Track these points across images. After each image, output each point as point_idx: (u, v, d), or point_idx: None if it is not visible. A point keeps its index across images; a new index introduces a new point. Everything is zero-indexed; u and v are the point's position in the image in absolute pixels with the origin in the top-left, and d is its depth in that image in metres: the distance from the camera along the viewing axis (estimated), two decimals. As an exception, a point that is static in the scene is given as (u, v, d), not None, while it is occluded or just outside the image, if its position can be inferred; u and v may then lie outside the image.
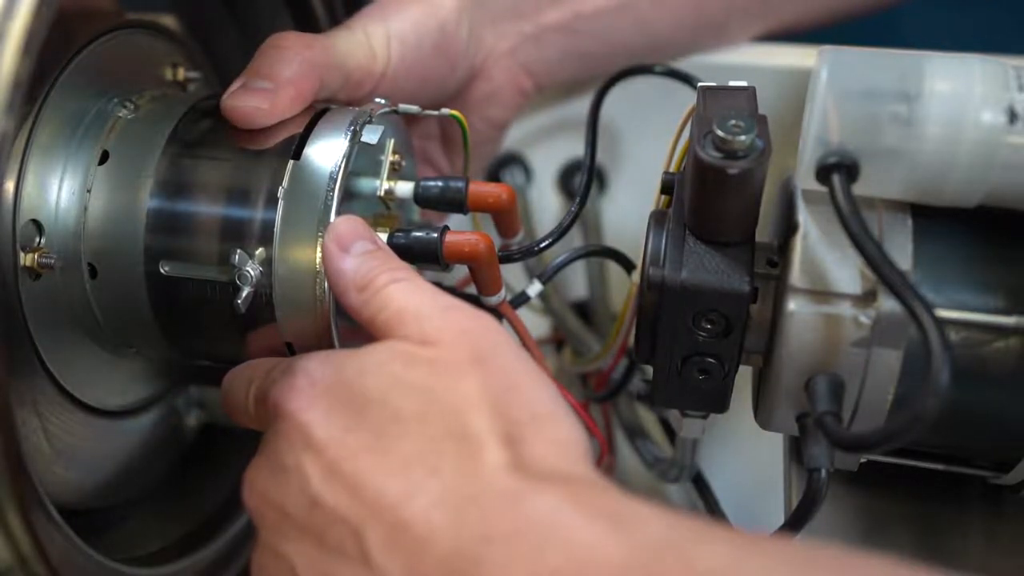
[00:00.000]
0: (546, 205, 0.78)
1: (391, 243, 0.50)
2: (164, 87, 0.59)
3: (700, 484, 0.61)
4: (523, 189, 0.77)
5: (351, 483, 0.40)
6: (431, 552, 0.37)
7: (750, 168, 0.44)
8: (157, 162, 0.51)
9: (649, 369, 0.52)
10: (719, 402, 0.51)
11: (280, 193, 0.49)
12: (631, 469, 0.73)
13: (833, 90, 0.44)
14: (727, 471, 0.68)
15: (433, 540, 0.37)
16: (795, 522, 0.48)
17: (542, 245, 0.55)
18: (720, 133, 0.43)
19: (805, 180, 0.45)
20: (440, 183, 0.54)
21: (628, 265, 0.58)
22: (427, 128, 0.65)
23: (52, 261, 0.50)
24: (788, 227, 0.48)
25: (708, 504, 0.61)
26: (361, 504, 0.39)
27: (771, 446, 0.57)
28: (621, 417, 0.68)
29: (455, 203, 0.54)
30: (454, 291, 0.55)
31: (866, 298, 0.45)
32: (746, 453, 0.70)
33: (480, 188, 0.54)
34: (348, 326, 0.49)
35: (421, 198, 0.54)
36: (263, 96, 0.50)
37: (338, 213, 0.48)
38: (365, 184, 0.52)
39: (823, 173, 0.44)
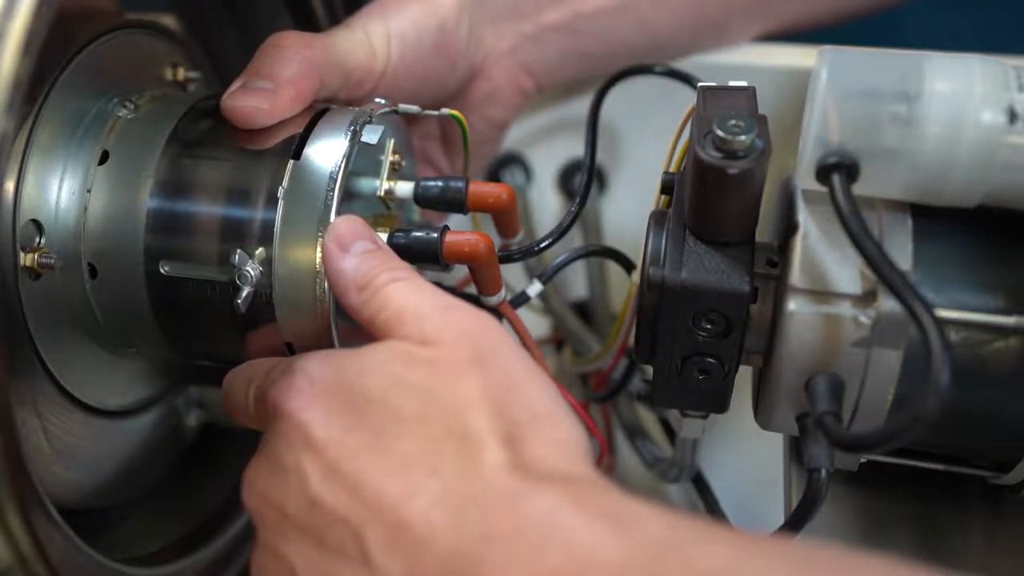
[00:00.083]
0: (546, 205, 0.78)
1: (391, 243, 0.50)
2: (164, 87, 0.59)
3: (700, 484, 0.61)
4: (523, 189, 0.77)
5: (351, 483, 0.40)
6: (431, 552, 0.37)
7: (750, 168, 0.44)
8: (157, 162, 0.51)
9: (649, 369, 0.52)
10: (719, 402, 0.51)
11: (280, 193, 0.49)
12: (631, 469, 0.73)
13: (833, 90, 0.44)
14: (727, 471, 0.68)
15: (433, 540, 0.37)
16: (795, 522, 0.48)
17: (542, 245, 0.55)
18: (720, 133, 0.43)
19: (805, 180, 0.45)
20: (440, 183, 0.54)
21: (628, 265, 0.58)
22: (427, 128, 0.65)
23: (52, 261, 0.50)
24: (788, 227, 0.48)
25: (708, 504, 0.61)
26: (361, 504, 0.39)
27: (771, 446, 0.57)
28: (621, 417, 0.68)
29: (455, 203, 0.54)
30: (454, 291, 0.55)
31: (866, 298, 0.45)
32: (746, 453, 0.70)
33: (480, 188, 0.54)
34: (348, 326, 0.49)
35: (421, 198, 0.54)
36: (263, 96, 0.50)
37: (338, 213, 0.48)
38: (365, 184, 0.52)
39: (823, 173, 0.44)
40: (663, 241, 0.48)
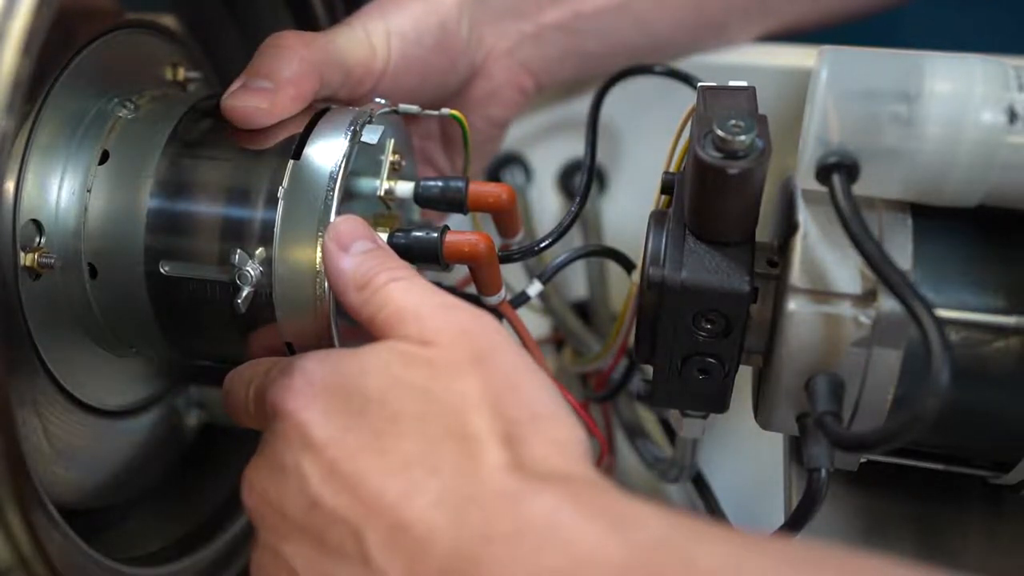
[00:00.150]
0: (546, 205, 0.78)
1: (391, 243, 0.50)
2: (164, 87, 0.59)
3: (700, 484, 0.61)
4: (523, 189, 0.77)
5: (350, 483, 0.40)
6: (431, 552, 0.37)
7: (750, 168, 0.44)
8: (157, 162, 0.51)
9: (649, 369, 0.52)
10: (719, 402, 0.51)
11: (280, 193, 0.49)
12: (631, 469, 0.73)
13: (833, 90, 0.44)
14: (727, 471, 0.68)
15: (433, 540, 0.37)
16: (795, 522, 0.48)
17: (542, 245, 0.55)
18: (720, 133, 0.43)
19: (805, 180, 0.45)
20: (440, 183, 0.54)
21: (628, 265, 0.58)
22: (427, 128, 0.65)
23: (52, 261, 0.50)
24: (788, 227, 0.48)
25: (708, 504, 0.61)
26: (361, 504, 0.39)
27: (771, 446, 0.57)
28: (621, 417, 0.68)
29: (455, 203, 0.54)
30: (454, 291, 0.55)
31: (866, 298, 0.45)
32: (746, 453, 0.70)
33: (480, 188, 0.54)
34: (348, 326, 0.49)
35: (421, 198, 0.54)
36: (263, 96, 0.50)
37: (338, 213, 0.48)
38: (365, 184, 0.52)
39: (823, 173, 0.44)
40: (663, 241, 0.48)
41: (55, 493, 0.50)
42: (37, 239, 0.50)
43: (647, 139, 0.73)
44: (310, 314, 0.49)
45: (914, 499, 0.55)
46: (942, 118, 0.43)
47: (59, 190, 0.51)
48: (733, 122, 0.44)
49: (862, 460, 0.51)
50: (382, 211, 0.54)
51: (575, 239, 0.76)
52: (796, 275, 0.46)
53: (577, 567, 0.35)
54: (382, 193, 0.53)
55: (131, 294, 0.51)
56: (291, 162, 0.50)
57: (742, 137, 0.43)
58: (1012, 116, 0.43)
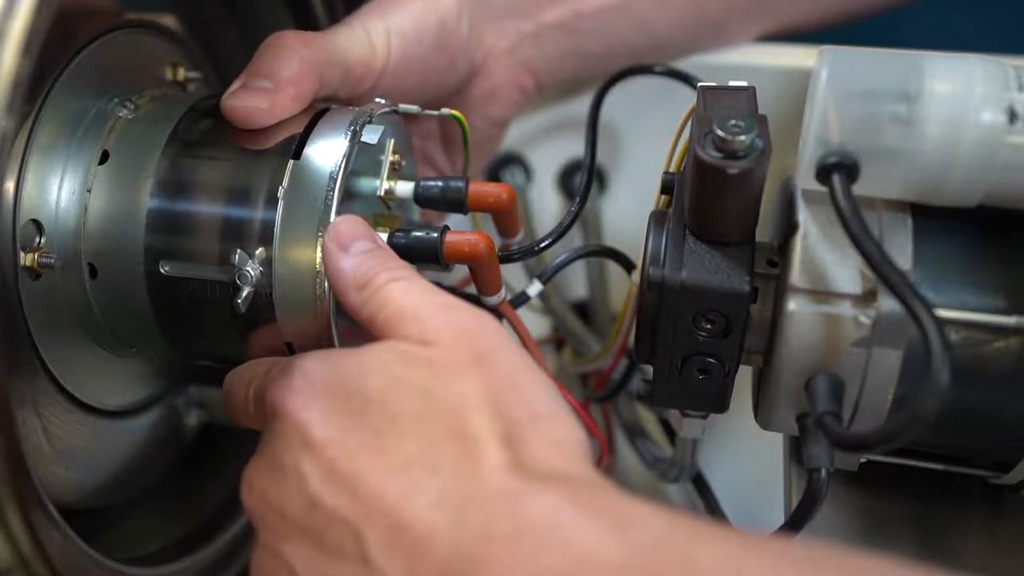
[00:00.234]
0: (546, 205, 0.78)
1: (391, 243, 0.50)
2: (164, 87, 0.59)
3: (700, 484, 0.61)
4: (523, 189, 0.77)
5: (350, 483, 0.40)
6: (431, 552, 0.37)
7: (750, 168, 0.44)
8: (157, 162, 0.51)
9: (649, 369, 0.52)
10: (719, 402, 0.51)
11: (280, 193, 0.49)
12: (631, 469, 0.73)
13: (833, 90, 0.44)
14: (727, 471, 0.68)
15: (433, 540, 0.37)
16: (795, 522, 0.48)
17: (542, 245, 0.55)
18: (720, 133, 0.43)
19: (805, 180, 0.45)
20: (440, 183, 0.54)
21: (628, 265, 0.58)
22: (427, 128, 0.65)
23: (52, 261, 0.50)
24: (788, 227, 0.48)
25: (708, 504, 0.61)
26: (360, 504, 0.39)
27: (771, 446, 0.57)
28: (621, 417, 0.68)
29: (455, 203, 0.54)
30: (454, 291, 0.55)
31: (866, 298, 0.45)
32: (746, 453, 0.70)
33: (480, 188, 0.54)
34: (348, 326, 0.49)
35: (421, 198, 0.54)
36: (263, 96, 0.50)
37: (338, 213, 0.48)
38: (365, 184, 0.52)
39: (823, 173, 0.44)
40: (663, 241, 0.48)
41: (55, 493, 0.50)
42: (37, 239, 0.50)
43: (647, 139, 0.73)
44: (310, 314, 0.49)
45: (914, 499, 0.55)
46: (942, 118, 0.43)
47: (59, 190, 0.51)
48: (733, 122, 0.44)
49: (862, 460, 0.51)
50: (382, 211, 0.54)
51: (575, 239, 0.76)
52: (796, 275, 0.46)
53: (577, 567, 0.35)
54: (382, 193, 0.53)
55: (131, 294, 0.51)
56: (291, 162, 0.50)
57: (742, 137, 0.43)
58: (1012, 116, 0.43)
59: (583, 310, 0.74)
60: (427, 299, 0.44)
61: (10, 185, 0.49)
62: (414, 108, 0.55)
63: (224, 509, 0.64)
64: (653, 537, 0.36)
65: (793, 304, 0.46)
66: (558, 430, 0.41)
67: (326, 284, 0.48)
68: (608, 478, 0.40)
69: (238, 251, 0.49)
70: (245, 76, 0.52)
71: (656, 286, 0.47)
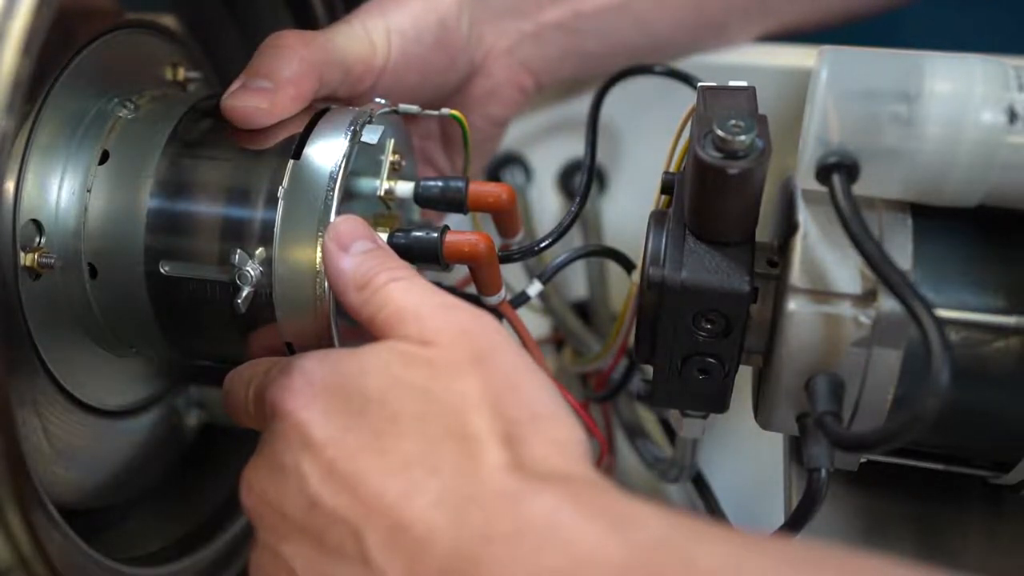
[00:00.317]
0: (546, 205, 0.78)
1: (391, 243, 0.50)
2: (164, 87, 0.59)
3: (700, 484, 0.61)
4: (523, 189, 0.77)
5: (350, 483, 0.40)
6: (431, 552, 0.37)
7: (750, 168, 0.44)
8: (157, 162, 0.51)
9: (649, 369, 0.52)
10: (719, 402, 0.51)
11: (280, 193, 0.49)
12: (631, 469, 0.73)
13: (833, 90, 0.44)
14: (727, 471, 0.68)
15: (433, 540, 0.37)
16: (795, 522, 0.48)
17: (542, 245, 0.55)
18: (720, 133, 0.43)
19: (805, 180, 0.45)
20: (440, 183, 0.54)
21: (628, 265, 0.58)
22: (427, 127, 0.65)
23: (52, 261, 0.50)
24: (788, 227, 0.48)
25: (708, 504, 0.61)
26: (360, 504, 0.39)
27: (771, 446, 0.57)
28: (621, 417, 0.68)
29: (455, 203, 0.54)
30: (454, 291, 0.55)
31: (866, 298, 0.45)
32: (746, 453, 0.70)
33: (480, 188, 0.54)
34: (348, 326, 0.49)
35: (421, 198, 0.54)
36: (263, 96, 0.50)
37: (338, 213, 0.48)
38: (365, 184, 0.52)
39: (823, 173, 0.44)
40: (663, 241, 0.48)
41: (55, 493, 0.50)
42: (37, 239, 0.50)
43: (647, 139, 0.73)
44: (310, 314, 0.49)
45: (914, 499, 0.55)
46: (942, 118, 0.43)
47: (59, 190, 0.51)
48: (733, 122, 0.44)
49: (862, 460, 0.51)
50: (382, 211, 0.54)
51: (575, 239, 0.76)
52: (796, 275, 0.46)
53: (577, 567, 0.35)
54: (382, 193, 0.53)
55: (131, 294, 0.51)
56: (291, 162, 0.50)
57: (742, 137, 0.43)
58: (1012, 116, 0.43)
59: (583, 310, 0.74)
60: (427, 299, 0.44)
61: (10, 185, 0.49)
62: (414, 108, 0.55)
63: (224, 509, 0.64)
64: (653, 537, 0.36)
65: (793, 304, 0.46)
66: (558, 430, 0.41)
67: (326, 284, 0.48)
68: (608, 478, 0.40)
69: (238, 251, 0.49)
70: (245, 76, 0.52)
71: (656, 286, 0.47)
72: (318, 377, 0.43)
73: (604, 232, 0.76)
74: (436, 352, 0.42)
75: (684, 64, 0.66)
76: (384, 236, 0.50)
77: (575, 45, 0.66)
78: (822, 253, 0.46)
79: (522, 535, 0.36)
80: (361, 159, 0.51)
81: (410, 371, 0.42)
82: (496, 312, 0.53)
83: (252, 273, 0.48)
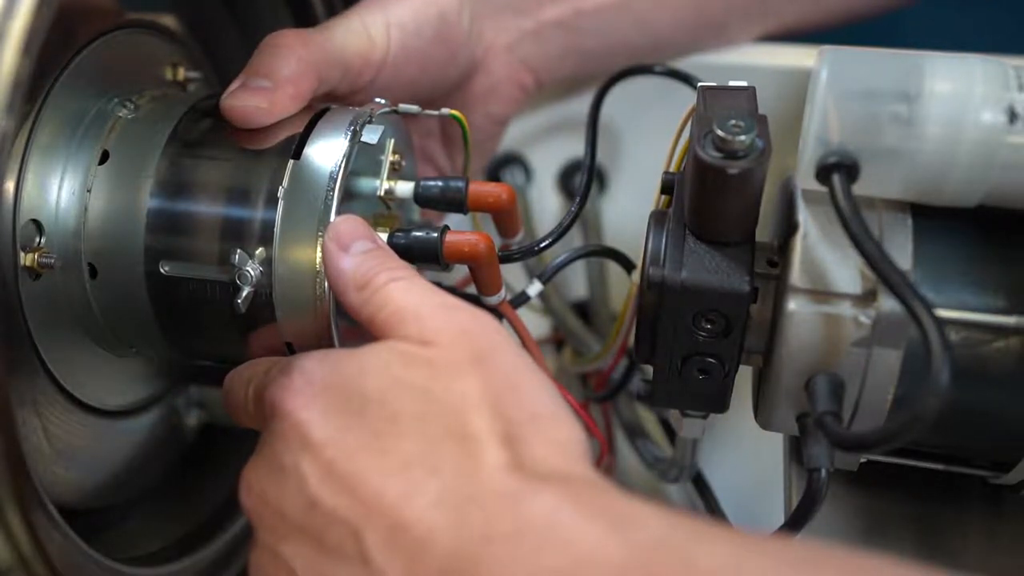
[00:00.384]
0: (546, 205, 0.78)
1: (391, 243, 0.50)
2: (164, 87, 0.59)
3: (700, 484, 0.61)
4: (523, 189, 0.77)
5: (350, 483, 0.40)
6: (431, 552, 0.37)
7: (750, 168, 0.44)
8: (157, 162, 0.51)
9: (649, 369, 0.52)
10: (719, 402, 0.51)
11: (280, 193, 0.49)
12: (631, 469, 0.73)
13: (833, 90, 0.44)
14: (727, 471, 0.68)
15: (433, 540, 0.37)
16: (795, 522, 0.48)
17: (542, 245, 0.55)
18: (720, 133, 0.43)
19: (805, 180, 0.45)
20: (440, 183, 0.54)
21: (628, 265, 0.58)
22: (428, 126, 0.65)
23: (52, 261, 0.50)
24: (788, 227, 0.48)
25: (708, 504, 0.61)
26: (360, 504, 0.39)
27: (771, 446, 0.57)
28: (621, 417, 0.68)
29: (455, 203, 0.54)
30: (454, 291, 0.55)
31: (866, 298, 0.45)
32: (746, 453, 0.70)
33: (480, 188, 0.54)
34: (348, 326, 0.49)
35: (421, 198, 0.54)
36: (262, 95, 0.51)
37: (338, 213, 0.48)
38: (365, 184, 0.52)
39: (823, 173, 0.44)
40: (663, 241, 0.48)
41: (55, 493, 0.50)
42: (37, 239, 0.50)
43: (647, 139, 0.73)
44: (310, 314, 0.49)
45: (914, 499, 0.55)
46: (942, 118, 0.43)
47: (59, 190, 0.51)
48: (733, 122, 0.44)
49: (862, 460, 0.51)
50: (382, 211, 0.54)
51: (575, 239, 0.76)
52: (796, 275, 0.46)
53: (577, 567, 0.35)
54: (382, 193, 0.53)
55: (131, 294, 0.51)
56: (291, 162, 0.50)
57: (742, 137, 0.43)
58: (1012, 116, 0.43)
59: (583, 310, 0.74)
60: (427, 299, 0.44)
61: (10, 185, 0.49)
62: (414, 108, 0.55)
63: (224, 509, 0.64)
64: (653, 537, 0.36)
65: (793, 304, 0.46)
66: (558, 430, 0.41)
67: (326, 284, 0.48)
68: (608, 478, 0.40)
69: (238, 251, 0.49)
70: (244, 76, 0.52)
71: (656, 286, 0.47)
72: (318, 377, 0.43)
73: (604, 232, 0.76)
74: (436, 352, 0.42)
75: (684, 64, 0.66)
76: (384, 236, 0.50)
77: (575, 43, 0.66)
78: (822, 253, 0.46)
79: (522, 535, 0.36)
80: (361, 159, 0.51)
81: (410, 371, 0.42)
82: (496, 312, 0.53)
83: (252, 273, 0.48)
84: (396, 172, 0.54)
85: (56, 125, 0.51)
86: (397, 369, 0.42)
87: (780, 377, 0.47)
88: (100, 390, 0.56)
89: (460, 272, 0.55)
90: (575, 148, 0.71)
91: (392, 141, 0.54)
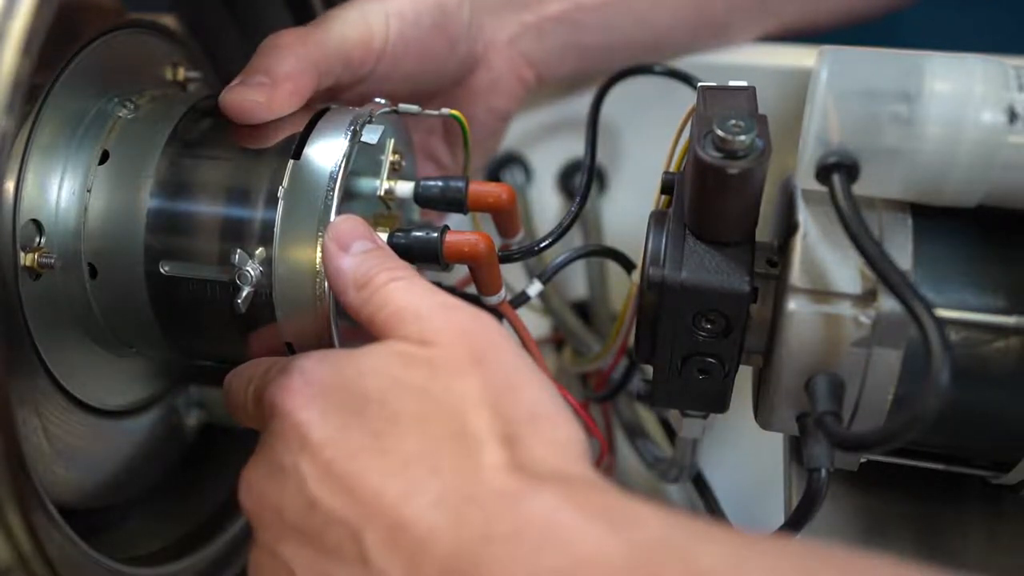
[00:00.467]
0: (546, 205, 0.78)
1: (391, 243, 0.50)
2: (164, 87, 0.59)
3: (700, 484, 0.61)
4: (523, 189, 0.77)
5: (349, 483, 0.40)
6: (431, 552, 0.37)
7: (750, 168, 0.44)
8: (157, 162, 0.51)
9: (649, 369, 0.52)
10: (719, 402, 0.51)
11: (280, 193, 0.49)
12: (631, 469, 0.73)
13: (833, 90, 0.44)
14: (727, 471, 0.68)
15: (433, 540, 0.37)
16: (795, 522, 0.48)
17: (542, 245, 0.55)
18: (720, 133, 0.43)
19: (805, 180, 0.45)
20: (440, 183, 0.54)
21: (628, 265, 0.58)
22: (430, 123, 0.65)
23: (52, 261, 0.50)
24: (788, 227, 0.48)
25: (708, 504, 0.61)
26: (359, 504, 0.39)
27: (771, 446, 0.57)
28: (621, 417, 0.68)
29: (455, 203, 0.54)
30: (454, 291, 0.55)
31: (866, 298, 0.45)
32: (746, 453, 0.70)
33: (480, 188, 0.54)
34: (348, 326, 0.49)
35: (421, 198, 0.54)
36: (260, 90, 0.51)
37: (338, 213, 0.48)
38: (365, 184, 0.52)
39: (823, 173, 0.44)
40: (663, 241, 0.48)
41: (55, 493, 0.50)
42: (37, 239, 0.50)
43: (647, 139, 0.73)
44: (310, 314, 0.49)
45: (914, 499, 0.55)
46: (942, 118, 0.43)
47: (59, 190, 0.51)
48: (733, 122, 0.44)
49: (862, 460, 0.51)
50: (382, 211, 0.54)
51: (575, 239, 0.76)
52: (796, 275, 0.46)
53: (577, 567, 0.35)
54: (382, 193, 0.53)
55: (131, 294, 0.51)
56: (291, 162, 0.50)
57: (742, 137, 0.43)
58: (1012, 116, 0.43)
59: (583, 310, 0.74)
60: (427, 299, 0.44)
61: (10, 185, 0.49)
62: (414, 108, 0.55)
63: (224, 509, 0.64)
64: (653, 537, 0.36)
65: (793, 304, 0.46)
66: (557, 430, 0.41)
67: (326, 284, 0.48)
68: (608, 478, 0.40)
69: (238, 251, 0.49)
70: (243, 75, 0.52)
71: (656, 286, 0.47)
72: (317, 377, 0.43)
73: (604, 232, 0.76)
74: (436, 352, 0.42)
75: (684, 64, 0.66)
76: (384, 236, 0.50)
77: (576, 38, 0.66)
78: (822, 253, 0.46)
79: (522, 535, 0.36)
80: (361, 159, 0.51)
81: (410, 371, 0.42)
82: (496, 312, 0.53)
83: (252, 273, 0.48)
84: (396, 172, 0.54)
85: (56, 125, 0.51)
86: (397, 369, 0.42)
87: (780, 377, 0.47)
88: (100, 390, 0.56)
89: (460, 272, 0.55)
90: (575, 148, 0.71)
91: (392, 141, 0.54)
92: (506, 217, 0.56)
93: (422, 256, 0.50)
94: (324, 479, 0.40)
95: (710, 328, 0.47)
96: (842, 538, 0.53)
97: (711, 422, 0.55)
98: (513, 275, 0.62)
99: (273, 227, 0.49)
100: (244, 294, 0.48)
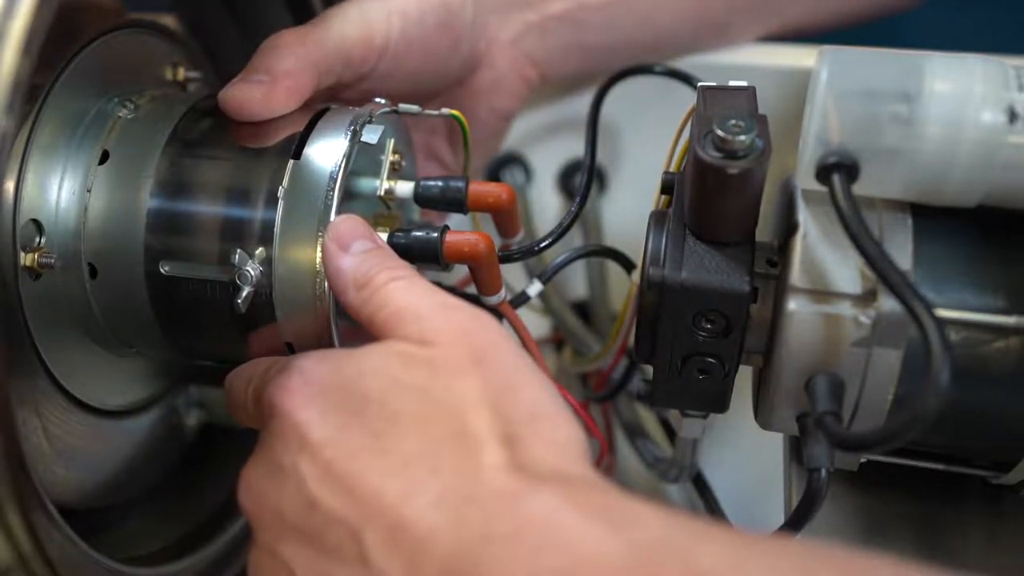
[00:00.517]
0: (546, 205, 0.78)
1: (391, 243, 0.50)
2: (164, 87, 0.59)
3: (700, 484, 0.61)
4: (523, 189, 0.77)
5: (349, 483, 0.40)
6: (431, 552, 0.37)
7: (750, 168, 0.44)
8: (157, 162, 0.51)
9: (649, 369, 0.52)
10: (719, 402, 0.51)
11: (280, 193, 0.49)
12: (631, 469, 0.73)
13: (833, 90, 0.44)
14: (727, 471, 0.68)
15: (433, 540, 0.37)
16: (795, 522, 0.48)
17: (542, 245, 0.55)
18: (720, 133, 0.43)
19: (805, 180, 0.45)
20: (440, 183, 0.54)
21: (628, 265, 0.58)
22: (432, 123, 0.65)
23: (52, 261, 0.50)
24: (788, 227, 0.48)
25: (708, 504, 0.61)
26: (359, 504, 0.39)
27: (771, 446, 0.57)
28: (621, 417, 0.68)
29: (455, 203, 0.54)
30: (454, 291, 0.55)
31: (866, 298, 0.45)
32: (746, 453, 0.70)
33: (480, 188, 0.54)
34: (348, 326, 0.49)
35: (421, 198, 0.54)
36: (259, 87, 0.51)
37: (338, 213, 0.48)
38: (365, 184, 0.52)
39: (823, 173, 0.44)
40: (663, 241, 0.48)
41: (55, 493, 0.50)
42: (37, 239, 0.50)
43: (647, 139, 0.73)
44: (310, 314, 0.49)
45: (914, 499, 0.55)
46: (942, 118, 0.43)
47: (59, 190, 0.51)
48: (733, 122, 0.44)
49: (862, 460, 0.51)
50: (382, 211, 0.54)
51: (575, 239, 0.76)
52: (796, 275, 0.46)
53: (577, 567, 0.35)
54: (382, 193, 0.53)
55: (131, 294, 0.51)
56: (291, 162, 0.50)
57: (742, 137, 0.43)
58: (1012, 116, 0.43)
59: (583, 310, 0.74)
60: (427, 299, 0.44)
61: (10, 185, 0.49)
62: (414, 108, 0.55)
63: (224, 509, 0.64)
64: (653, 537, 0.36)
65: (793, 304, 0.46)
66: (557, 430, 0.41)
67: (326, 284, 0.48)
68: (608, 478, 0.40)
69: (238, 251, 0.49)
70: (243, 73, 0.52)
71: (656, 286, 0.47)
72: (316, 377, 0.43)
73: (604, 232, 0.76)
74: (436, 352, 0.42)
75: (684, 64, 0.66)
76: (384, 236, 0.50)
77: (578, 38, 0.66)
78: (822, 253, 0.46)
79: (522, 535, 0.36)
80: (361, 159, 0.51)
81: (410, 371, 0.42)
82: (496, 312, 0.53)
83: (252, 273, 0.48)
84: (396, 172, 0.54)
85: (56, 125, 0.51)
86: (397, 369, 0.42)
87: (780, 377, 0.47)
88: (100, 390, 0.56)
89: (460, 272, 0.55)
90: (575, 148, 0.71)
91: (392, 141, 0.54)
92: (506, 217, 0.56)
93: (422, 256, 0.50)
94: (324, 479, 0.40)
95: (710, 328, 0.47)
96: (842, 538, 0.53)
97: (711, 422, 0.55)
98: (513, 275, 0.62)
99: (273, 227, 0.49)
100: (244, 294, 0.48)
